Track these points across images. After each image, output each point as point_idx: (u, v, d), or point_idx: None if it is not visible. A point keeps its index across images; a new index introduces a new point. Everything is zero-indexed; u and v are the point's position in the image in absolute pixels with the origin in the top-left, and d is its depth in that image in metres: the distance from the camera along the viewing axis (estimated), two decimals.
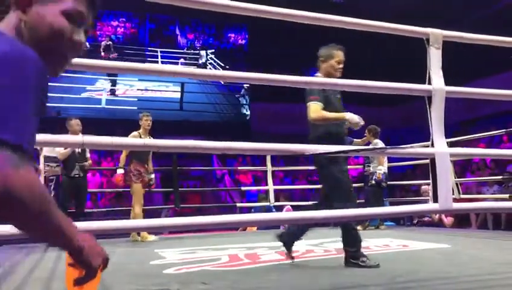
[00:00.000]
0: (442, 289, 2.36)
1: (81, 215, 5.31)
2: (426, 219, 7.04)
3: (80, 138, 1.49)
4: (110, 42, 13.98)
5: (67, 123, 5.35)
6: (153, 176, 5.68)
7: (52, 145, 4.43)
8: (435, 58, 2.04)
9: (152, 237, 5.50)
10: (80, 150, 5.33)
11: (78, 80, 13.55)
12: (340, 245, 3.32)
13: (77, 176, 5.39)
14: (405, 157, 7.20)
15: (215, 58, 15.23)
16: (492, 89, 2.21)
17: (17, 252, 4.52)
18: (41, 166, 5.36)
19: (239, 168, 11.82)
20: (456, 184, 5.99)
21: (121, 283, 2.66)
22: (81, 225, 1.63)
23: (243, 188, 10.38)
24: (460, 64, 8.11)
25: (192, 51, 15.19)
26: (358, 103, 13.71)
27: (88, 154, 5.60)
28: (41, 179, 5.46)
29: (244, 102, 15.57)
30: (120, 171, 5.47)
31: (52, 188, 5.29)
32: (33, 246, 5.14)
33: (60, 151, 5.31)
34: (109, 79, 14.01)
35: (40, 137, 1.56)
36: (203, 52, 15.26)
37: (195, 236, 6.08)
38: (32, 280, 2.95)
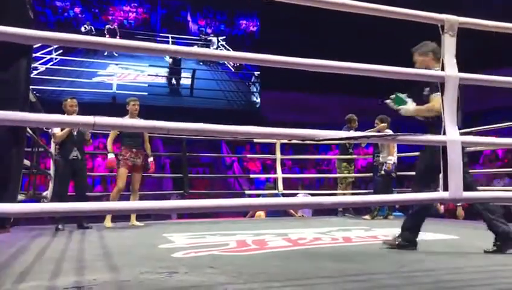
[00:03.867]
0: (448, 279, 2.35)
1: (82, 198, 5.17)
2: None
3: (91, 118, 1.50)
4: (115, 26, 13.99)
5: (63, 103, 5.23)
6: (150, 159, 5.62)
7: (63, 126, 4.33)
8: (449, 46, 2.01)
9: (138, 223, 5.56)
10: (77, 131, 5.20)
11: (90, 64, 13.62)
12: (347, 233, 3.34)
13: (75, 158, 5.20)
14: (414, 147, 7.16)
15: (226, 45, 15.18)
16: (509, 77, 2.17)
17: (28, 234, 4.58)
18: (52, 149, 5.39)
19: (248, 155, 11.83)
20: None
21: (130, 265, 2.69)
22: (85, 205, 1.64)
23: (252, 176, 10.41)
24: (472, 53, 7.98)
25: (203, 37, 15.16)
26: (367, 93, 13.68)
27: (87, 137, 5.39)
28: (52, 161, 5.50)
29: (255, 90, 15.54)
30: (111, 155, 5.38)
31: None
32: (43, 228, 5.22)
33: (56, 133, 5.15)
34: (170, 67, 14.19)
35: (50, 117, 1.56)
36: (214, 39, 15.22)
37: (203, 222, 6.13)
38: (43, 259, 3.00)
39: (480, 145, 4.31)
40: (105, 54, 13.71)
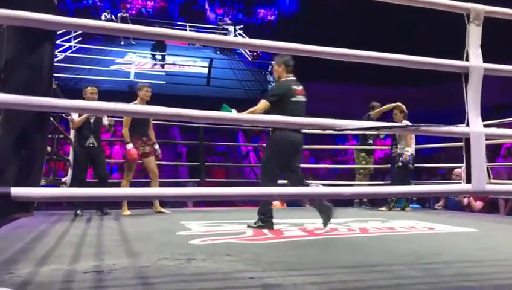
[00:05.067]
0: (466, 271, 2.33)
1: (104, 185, 5.19)
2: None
3: (112, 104, 1.51)
4: (127, 14, 14.02)
5: (83, 91, 5.28)
6: (157, 146, 5.58)
7: (87, 112, 4.28)
8: (474, 36, 1.96)
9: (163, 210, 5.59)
10: (94, 118, 5.23)
11: (108, 52, 13.71)
12: (363, 224, 3.33)
13: (91, 145, 5.25)
14: (433, 139, 7.07)
15: (243, 34, 15.14)
16: None
17: (48, 219, 4.68)
18: (72, 135, 5.46)
19: (264, 145, 11.80)
20: (487, 169, 5.83)
21: (148, 251, 2.72)
22: (105, 191, 1.66)
23: None
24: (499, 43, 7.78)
25: (221, 26, 15.13)
26: (387, 83, 13.52)
27: (106, 122, 5.42)
28: (71, 148, 5.57)
29: (272, 79, 15.47)
30: (130, 145, 5.26)
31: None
32: (62, 213, 5.31)
33: (75, 119, 5.18)
34: (159, 54, 14.17)
35: (70, 102, 1.57)
36: (231, 28, 15.18)
37: (219, 210, 6.16)
38: (63, 244, 3.06)
39: (504, 137, 4.23)
40: (122, 42, 13.77)
